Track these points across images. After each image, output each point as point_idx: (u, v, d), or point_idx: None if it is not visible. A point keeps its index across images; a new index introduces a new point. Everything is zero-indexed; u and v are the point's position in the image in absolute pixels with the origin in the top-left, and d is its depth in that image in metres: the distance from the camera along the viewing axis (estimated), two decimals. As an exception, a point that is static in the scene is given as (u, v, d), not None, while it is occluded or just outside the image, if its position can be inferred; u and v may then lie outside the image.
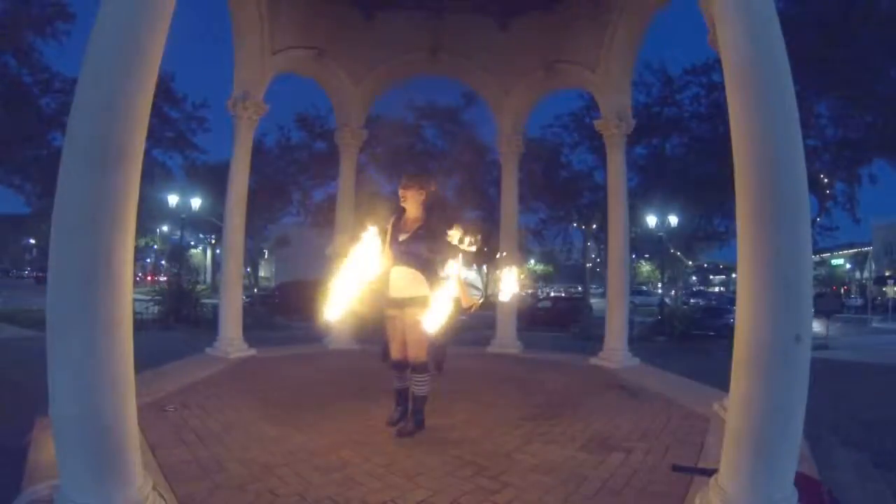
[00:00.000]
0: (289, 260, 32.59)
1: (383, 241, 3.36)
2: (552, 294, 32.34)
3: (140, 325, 9.67)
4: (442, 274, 3.22)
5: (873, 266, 38.40)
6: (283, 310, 15.49)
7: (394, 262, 3.39)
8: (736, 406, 2.23)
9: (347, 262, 2.84)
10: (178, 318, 12.11)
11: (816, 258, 35.31)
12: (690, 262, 23.65)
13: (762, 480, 2.10)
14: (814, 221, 15.30)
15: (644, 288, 37.43)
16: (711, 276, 51.52)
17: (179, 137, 18.55)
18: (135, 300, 2.42)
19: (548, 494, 2.57)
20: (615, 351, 6.31)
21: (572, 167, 20.67)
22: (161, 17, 2.15)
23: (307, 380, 5.07)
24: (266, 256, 35.07)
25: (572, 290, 39.69)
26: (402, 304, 3.36)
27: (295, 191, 22.07)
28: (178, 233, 19.69)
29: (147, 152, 3.71)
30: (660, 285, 24.25)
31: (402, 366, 3.54)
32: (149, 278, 37.29)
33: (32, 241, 44.18)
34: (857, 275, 42.85)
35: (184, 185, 18.76)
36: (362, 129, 7.82)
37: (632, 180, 16.07)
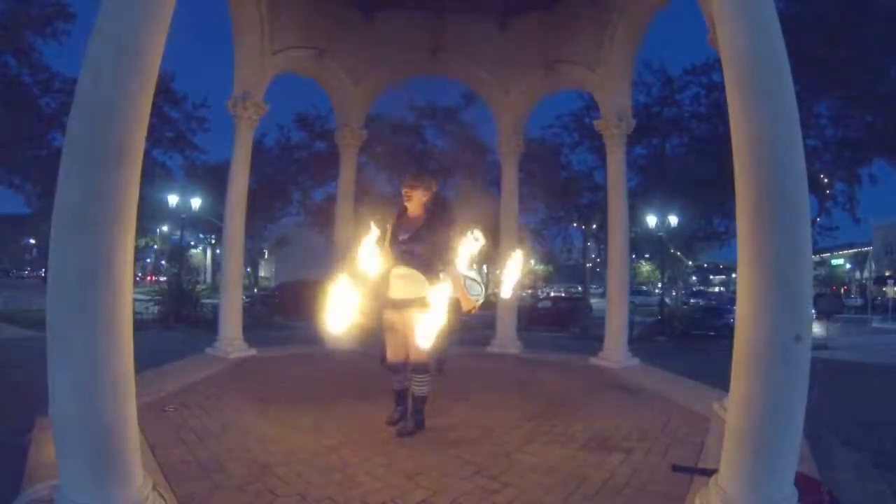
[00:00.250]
0: (289, 260, 32.59)
1: (384, 240, 3.36)
2: (552, 294, 32.32)
3: (140, 325, 9.67)
4: (442, 275, 3.21)
5: (873, 266, 38.41)
6: (283, 310, 15.49)
7: (394, 262, 3.39)
8: (736, 406, 2.23)
9: (351, 270, 2.86)
10: (178, 318, 12.10)
11: (816, 258, 35.32)
12: (690, 262, 23.63)
13: (762, 480, 2.10)
14: (814, 221, 15.30)
15: (644, 288, 37.44)
16: (711, 276, 51.52)
17: (179, 137, 18.53)
18: (135, 300, 2.43)
19: (548, 494, 2.57)
20: (615, 351, 6.31)
21: (572, 167, 20.68)
22: (161, 16, 2.15)
23: (307, 380, 5.07)
24: (266, 256, 35.08)
25: (572, 290, 39.68)
26: (402, 304, 3.35)
27: (295, 191, 22.08)
28: (178, 233, 19.68)
29: (147, 152, 3.71)
30: (660, 285, 24.23)
31: (400, 368, 3.54)
32: (148, 278, 37.31)
33: (32, 241, 44.17)
34: (857, 275, 42.86)
35: (184, 185, 18.76)
36: (362, 129, 7.82)
37: (632, 180, 16.09)
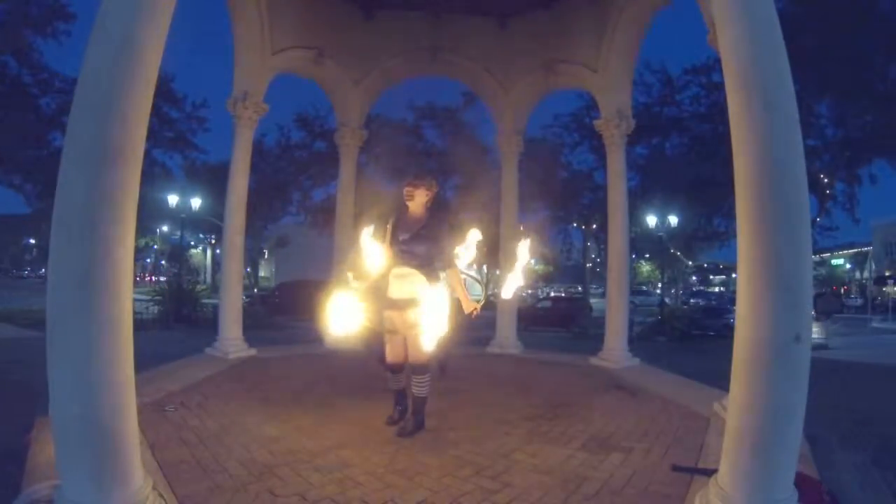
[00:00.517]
0: (289, 260, 32.61)
1: (384, 239, 3.36)
2: (552, 294, 32.32)
3: (140, 325, 9.67)
4: (442, 275, 3.21)
5: (873, 266, 38.40)
6: (283, 310, 15.49)
7: (394, 261, 3.39)
8: (736, 406, 2.23)
9: (351, 270, 2.86)
10: (178, 318, 12.10)
11: (816, 258, 35.34)
12: (690, 262, 23.65)
13: (762, 480, 2.10)
14: (814, 221, 15.29)
15: (644, 288, 37.46)
16: (711, 276, 51.50)
17: (179, 137, 18.56)
18: (135, 300, 2.43)
19: (548, 494, 2.57)
20: (615, 351, 6.31)
21: (572, 167, 20.69)
22: (161, 16, 2.16)
23: (307, 380, 5.07)
24: (266, 256, 35.08)
25: (572, 290, 39.68)
26: (402, 305, 3.35)
27: (295, 191, 22.09)
28: (178, 233, 19.69)
29: (147, 152, 3.71)
30: (660, 285, 24.24)
31: (399, 368, 3.54)
32: (147, 278, 37.31)
33: (32, 241, 44.19)
34: (857, 275, 42.87)
35: (184, 185, 18.77)
36: (362, 129, 7.82)
37: (632, 180, 16.11)
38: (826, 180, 15.53)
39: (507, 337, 7.45)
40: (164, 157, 18.97)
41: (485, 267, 23.20)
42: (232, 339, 6.18)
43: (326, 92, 7.74)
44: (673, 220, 17.22)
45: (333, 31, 6.91)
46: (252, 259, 26.74)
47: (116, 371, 1.99)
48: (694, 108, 16.80)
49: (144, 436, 2.84)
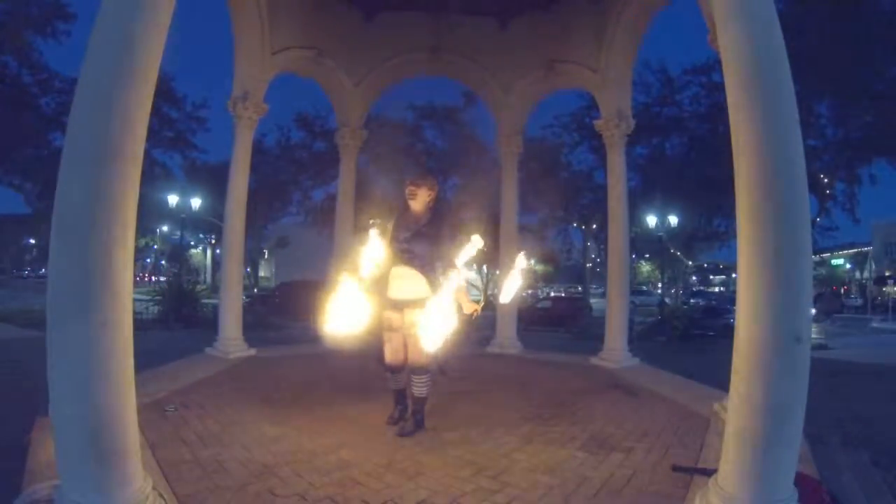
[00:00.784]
0: (289, 260, 32.60)
1: (384, 239, 3.36)
2: (552, 294, 32.32)
3: (140, 325, 9.65)
4: (443, 276, 3.21)
5: (873, 266, 38.41)
6: (282, 310, 15.47)
7: (394, 261, 3.38)
8: (736, 406, 2.23)
9: (351, 270, 2.86)
10: (178, 318, 12.10)
11: (816, 258, 35.31)
12: (690, 262, 23.65)
13: (762, 480, 2.10)
14: (814, 221, 15.30)
15: (644, 288, 37.42)
16: (711, 276, 51.52)
17: (179, 137, 18.58)
18: (135, 300, 2.43)
19: (548, 494, 2.57)
20: (615, 351, 6.31)
21: (572, 167, 20.69)
22: (161, 16, 2.15)
23: (307, 380, 5.07)
24: (266, 256, 35.10)
25: (572, 290, 39.69)
26: (402, 305, 3.35)
27: (295, 191, 22.11)
28: (178, 233, 19.70)
29: (147, 152, 3.71)
30: (660, 285, 24.24)
31: (399, 368, 3.53)
32: (147, 278, 37.31)
33: (32, 241, 44.20)
34: (857, 275, 42.86)
35: (184, 185, 18.79)
36: (362, 129, 7.82)
37: (632, 180, 16.09)
38: (826, 180, 15.53)
39: (507, 337, 7.44)
40: (164, 157, 19.00)
41: (485, 267, 23.20)
42: (232, 339, 6.18)
43: (326, 92, 7.73)
44: (673, 220, 17.23)
45: (333, 31, 6.91)
46: (252, 259, 26.77)
47: (116, 371, 1.98)
48: (694, 108, 16.83)
49: (144, 436, 2.84)
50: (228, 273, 6.43)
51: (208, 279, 33.73)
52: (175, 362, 5.54)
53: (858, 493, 2.89)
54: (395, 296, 3.38)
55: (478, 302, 3.40)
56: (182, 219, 17.60)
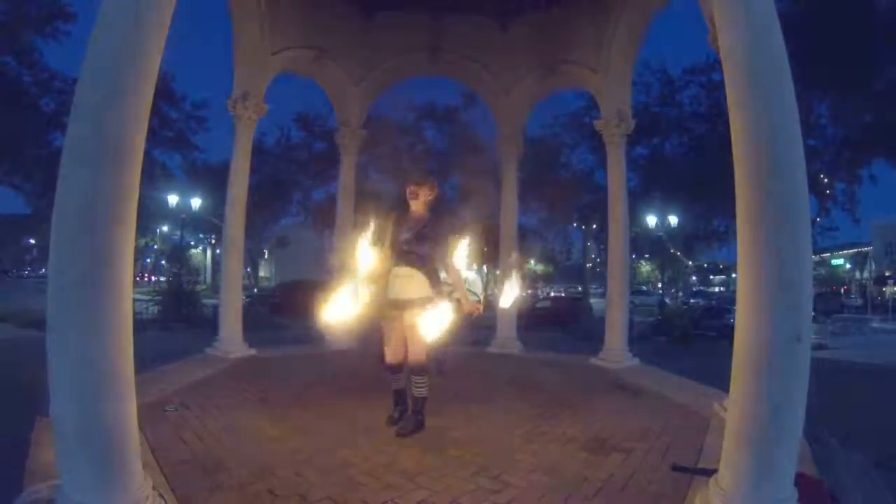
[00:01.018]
0: (289, 260, 32.63)
1: (384, 239, 3.36)
2: (552, 294, 32.31)
3: (140, 325, 9.65)
4: (443, 276, 3.22)
5: (873, 266, 38.44)
6: (282, 310, 15.46)
7: (394, 261, 3.38)
8: (736, 406, 2.23)
9: (350, 266, 2.86)
10: (178, 318, 12.10)
11: (816, 258, 35.33)
12: (690, 262, 23.64)
13: (762, 480, 2.10)
14: (814, 221, 15.30)
15: (644, 288, 37.44)
16: (711, 276, 51.51)
17: (179, 137, 18.57)
18: (135, 300, 2.43)
19: (548, 494, 2.57)
20: (615, 351, 6.31)
21: (572, 167, 20.68)
22: (161, 16, 2.15)
23: (307, 380, 5.07)
24: (266, 256, 35.08)
25: (572, 290, 39.68)
26: (402, 305, 3.34)
27: (295, 191, 22.10)
28: (178, 233, 19.69)
29: (147, 152, 3.71)
30: (660, 285, 24.24)
31: (399, 368, 3.53)
32: (147, 278, 37.30)
33: (32, 241, 44.19)
34: (857, 275, 42.88)
35: (184, 185, 18.77)
36: (362, 129, 7.82)
37: (632, 180, 16.10)
38: (826, 180, 15.53)
39: (507, 337, 7.45)
40: (164, 157, 18.99)
41: (485, 267, 23.19)
42: (232, 339, 6.18)
43: (326, 92, 7.73)
44: (673, 220, 17.24)
45: (333, 30, 6.90)
46: (252, 259, 26.74)
47: (116, 371, 1.98)
48: (694, 108, 16.82)
49: (144, 436, 2.84)
50: (228, 273, 6.43)
51: (208, 279, 33.75)
52: (175, 362, 5.53)
53: (858, 493, 2.89)
54: (396, 296, 3.37)
55: (478, 302, 3.40)
56: (182, 219, 17.63)
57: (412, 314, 3.26)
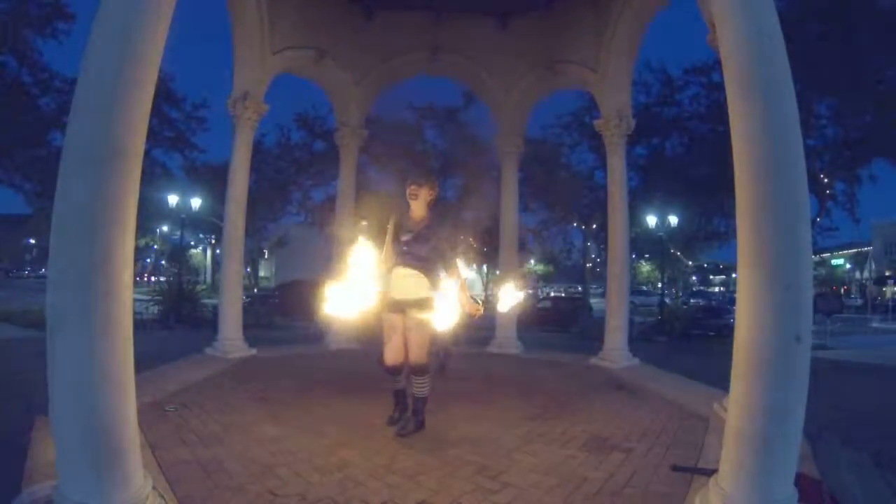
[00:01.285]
0: (289, 260, 32.59)
1: (385, 240, 3.36)
2: (552, 294, 32.30)
3: (140, 325, 9.66)
4: (444, 277, 3.22)
5: (873, 266, 38.45)
6: (282, 310, 15.48)
7: (395, 262, 3.39)
8: (736, 406, 2.23)
9: (351, 262, 2.86)
10: (178, 318, 12.10)
11: (816, 258, 35.32)
12: (690, 262, 23.64)
13: (762, 480, 2.10)
14: (814, 221, 15.27)
15: (644, 288, 37.40)
16: (711, 276, 51.48)
17: (179, 137, 18.53)
18: (135, 300, 2.43)
19: (548, 494, 2.57)
20: (615, 351, 6.31)
21: (572, 167, 20.65)
22: (161, 16, 2.15)
23: (307, 380, 5.07)
24: (266, 256, 35.05)
25: (572, 290, 39.66)
26: (403, 305, 3.35)
27: (295, 191, 22.07)
28: (178, 233, 19.68)
29: (147, 152, 3.71)
30: (660, 285, 24.24)
31: (399, 369, 3.53)
32: (147, 278, 37.31)
33: (32, 241, 44.19)
34: (857, 275, 42.88)
35: (184, 185, 18.74)
36: (362, 128, 7.83)
37: (632, 180, 16.04)
38: (826, 180, 15.51)
39: (507, 337, 7.45)
40: (164, 157, 18.93)
41: (484, 267, 23.20)
42: (232, 339, 6.18)
43: (326, 92, 7.74)
44: (673, 220, 17.22)
45: (333, 31, 6.91)
46: (252, 259, 26.73)
47: (116, 371, 1.98)
48: (694, 108, 16.78)
49: (144, 436, 2.84)
50: (228, 273, 6.43)
51: (208, 279, 33.72)
52: (175, 362, 5.54)
53: (858, 493, 2.89)
54: (397, 296, 3.38)
55: (479, 303, 3.41)
56: (182, 219, 17.57)
57: (413, 314, 3.27)
